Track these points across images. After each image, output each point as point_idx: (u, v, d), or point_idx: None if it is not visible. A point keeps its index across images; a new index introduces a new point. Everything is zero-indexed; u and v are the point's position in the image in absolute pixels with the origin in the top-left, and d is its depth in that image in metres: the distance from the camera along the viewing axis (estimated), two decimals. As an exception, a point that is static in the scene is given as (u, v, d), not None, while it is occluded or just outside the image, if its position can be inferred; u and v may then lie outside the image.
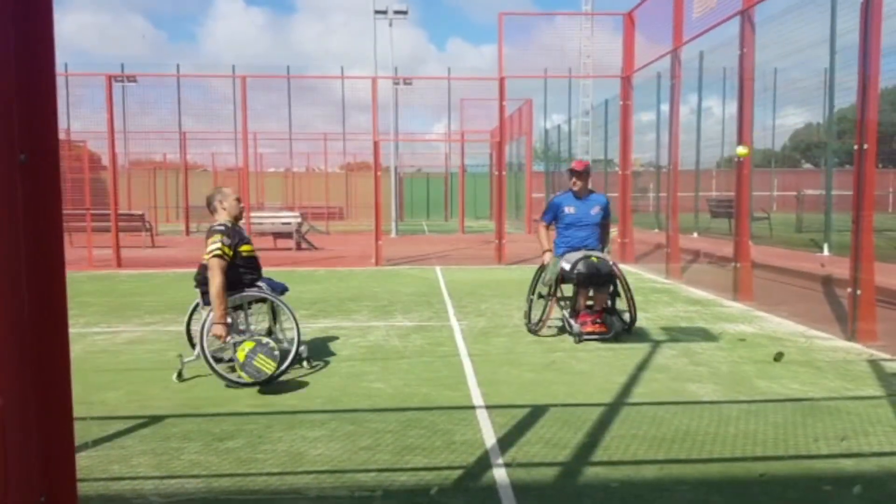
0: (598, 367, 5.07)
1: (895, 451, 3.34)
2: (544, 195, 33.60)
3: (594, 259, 5.92)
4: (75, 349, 5.72)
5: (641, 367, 5.04)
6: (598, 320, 5.95)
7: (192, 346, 5.04)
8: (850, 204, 6.12)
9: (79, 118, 15.87)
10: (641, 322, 6.80)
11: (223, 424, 3.82)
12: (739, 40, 8.15)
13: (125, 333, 6.41)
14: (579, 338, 5.83)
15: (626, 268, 11.80)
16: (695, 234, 16.76)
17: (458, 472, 3.14)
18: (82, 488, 2.93)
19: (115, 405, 4.21)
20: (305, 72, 30.45)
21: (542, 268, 6.38)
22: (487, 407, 4.10)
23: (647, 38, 12.09)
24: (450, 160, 31.77)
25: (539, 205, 32.31)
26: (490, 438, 3.56)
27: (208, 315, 4.70)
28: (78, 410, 3.97)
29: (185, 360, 4.78)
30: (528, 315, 6.43)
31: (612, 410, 4.03)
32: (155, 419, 3.91)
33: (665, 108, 15.03)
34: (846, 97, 12.27)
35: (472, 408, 4.11)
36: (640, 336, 6.13)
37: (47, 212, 1.27)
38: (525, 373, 4.92)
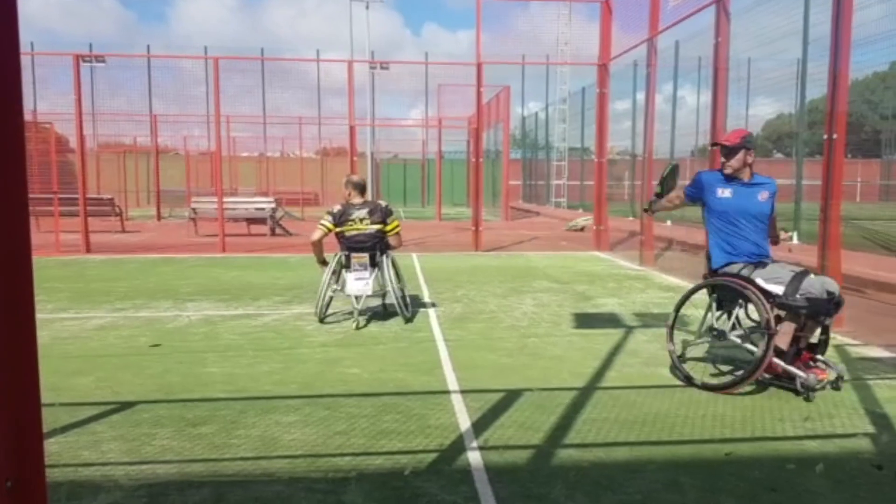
0: (572, 352, 5.12)
1: (857, 433, 3.43)
2: (521, 182, 33.76)
3: (825, 277, 4.26)
4: (43, 335, 5.64)
5: (614, 351, 5.10)
6: (818, 361, 4.13)
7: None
8: (819, 193, 6.23)
9: (45, 99, 15.54)
10: (615, 309, 6.89)
11: (196, 410, 3.80)
12: (714, 29, 8.22)
13: (95, 319, 6.33)
14: (810, 392, 3.89)
15: (601, 255, 11.92)
16: (668, 223, 16.93)
17: (433, 455, 3.16)
18: (51, 474, 2.91)
19: (85, 391, 4.16)
20: (279, 55, 30.07)
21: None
22: (462, 391, 4.12)
23: (623, 26, 12.14)
24: (427, 146, 31.68)
25: (517, 192, 32.45)
26: (465, 422, 3.58)
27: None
28: (47, 397, 3.91)
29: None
30: (671, 337, 4.46)
31: (585, 394, 4.07)
32: (126, 405, 3.87)
33: (641, 96, 15.13)
34: (818, 88, 12.47)
35: (448, 392, 4.13)
36: (613, 322, 6.20)
37: (12, 195, 1.25)
38: (500, 358, 4.95)
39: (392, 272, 6.31)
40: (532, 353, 5.10)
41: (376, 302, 6.60)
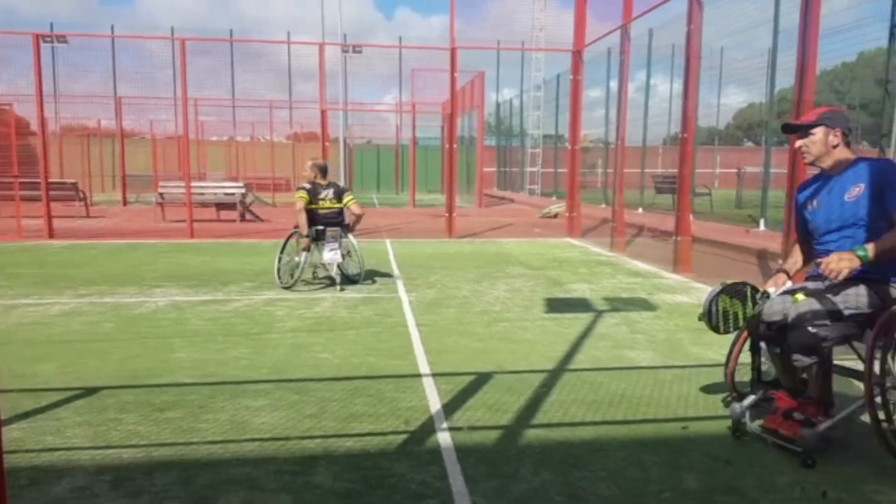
0: (543, 336, 5.15)
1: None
2: (495, 169, 33.76)
3: (795, 299, 3.00)
4: (5, 321, 5.53)
5: (584, 335, 5.15)
6: (791, 413, 3.07)
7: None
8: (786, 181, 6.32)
9: (2, 81, 15.13)
10: (586, 293, 6.94)
11: (163, 395, 3.75)
12: (687, 17, 8.27)
13: (59, 305, 6.21)
14: (737, 430, 3.19)
15: (573, 242, 12.00)
16: (640, 210, 17.08)
17: (403, 437, 3.17)
18: (13, 460, 2.86)
19: (49, 377, 4.09)
20: (249, 37, 29.56)
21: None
22: (434, 375, 4.14)
23: (598, 12, 12.17)
24: (401, 132, 31.52)
25: (491, 179, 32.47)
26: (435, 404, 3.60)
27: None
28: (10, 383, 3.84)
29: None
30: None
31: (554, 376, 4.11)
32: (91, 391, 3.82)
33: (614, 84, 15.22)
34: (788, 78, 12.64)
35: (419, 376, 4.14)
36: (583, 306, 6.25)
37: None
38: (472, 342, 4.97)
39: (355, 243, 7.43)
40: (503, 337, 5.13)
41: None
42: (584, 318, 5.70)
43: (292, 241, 7.26)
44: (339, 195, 7.25)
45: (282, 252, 7.27)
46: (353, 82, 26.18)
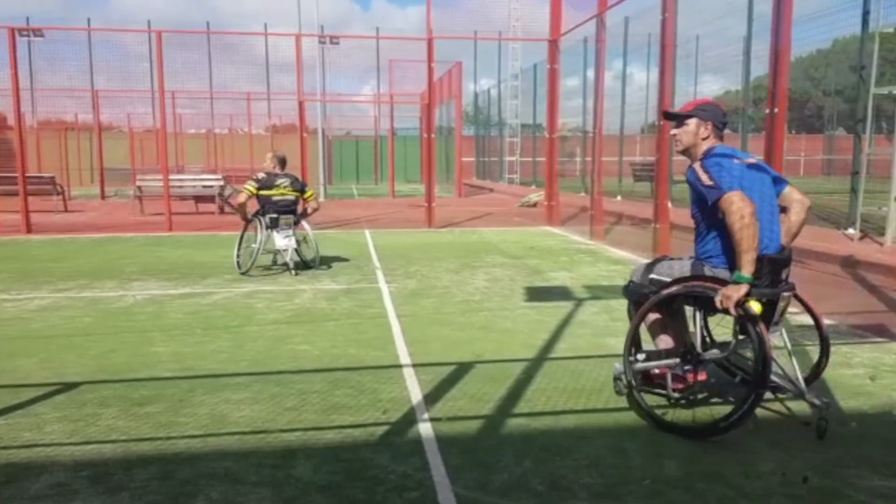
0: (524, 324, 5.18)
1: (791, 396, 3.52)
2: (474, 159, 33.75)
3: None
4: (-19, 317, 5.44)
5: (564, 323, 5.18)
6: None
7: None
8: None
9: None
10: (566, 282, 6.99)
11: (142, 390, 3.73)
12: (661, 6, 8.30)
13: (37, 300, 6.13)
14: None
15: (552, 231, 12.06)
16: (618, 198, 17.19)
17: (384, 428, 3.18)
18: (-9, 456, 2.83)
19: (27, 372, 4.05)
20: (225, 29, 29.28)
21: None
22: (414, 365, 4.14)
23: (573, 2, 12.18)
24: (379, 123, 31.37)
25: (470, 169, 32.49)
26: (416, 395, 3.61)
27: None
28: (-16, 377, 3.76)
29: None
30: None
31: (535, 365, 4.14)
32: (70, 386, 3.78)
33: (591, 73, 15.25)
34: (763, 65, 12.77)
35: (400, 366, 4.15)
36: (564, 295, 6.28)
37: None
38: (453, 332, 4.99)
39: (309, 229, 7.80)
40: (484, 326, 5.15)
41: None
42: (564, 307, 5.74)
43: (249, 232, 7.64)
44: (295, 185, 7.68)
45: (240, 243, 7.58)
46: (331, 74, 26.03)
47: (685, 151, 3.43)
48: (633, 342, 3.42)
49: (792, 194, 3.38)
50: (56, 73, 23.08)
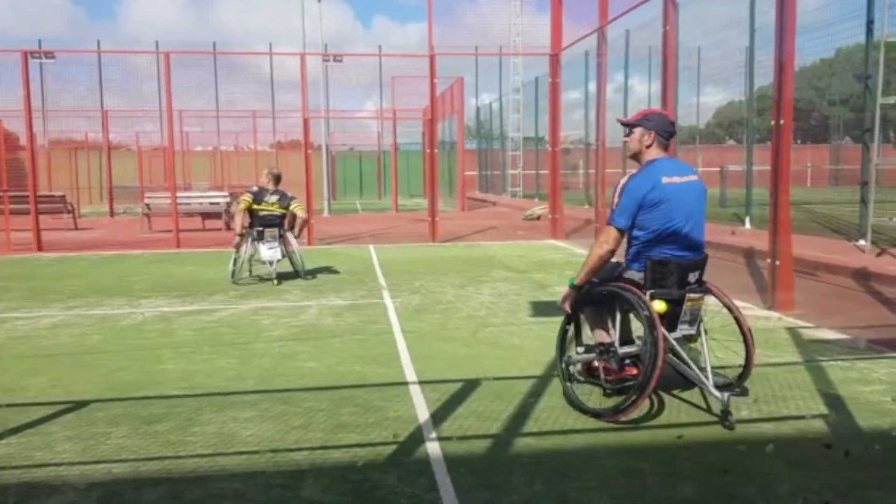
0: (530, 340, 5.18)
1: (810, 414, 3.50)
2: (477, 173, 33.83)
3: None
4: (-9, 336, 5.48)
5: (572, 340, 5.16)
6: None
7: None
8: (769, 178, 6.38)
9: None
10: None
11: (151, 408, 3.74)
12: (662, 18, 8.35)
13: (47, 318, 6.17)
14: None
15: (556, 244, 12.06)
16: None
17: (392, 448, 3.17)
18: (1, 476, 2.85)
19: (38, 391, 4.07)
20: (230, 49, 29.55)
21: None
22: (420, 382, 4.15)
23: (574, 15, 12.26)
24: (382, 138, 31.52)
25: (473, 182, 32.52)
26: (423, 413, 3.60)
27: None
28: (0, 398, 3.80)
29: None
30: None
31: (543, 382, 4.12)
32: (80, 404, 3.80)
33: (593, 85, 15.30)
34: (766, 76, 12.80)
35: (406, 384, 4.15)
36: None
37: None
38: (458, 348, 4.99)
39: (294, 243, 8.25)
40: (490, 342, 5.15)
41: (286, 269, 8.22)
42: (570, 322, 5.72)
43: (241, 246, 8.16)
44: (282, 202, 8.12)
45: (235, 256, 8.12)
46: (334, 90, 26.14)
47: (633, 157, 3.74)
48: (577, 336, 3.86)
49: None
50: (66, 93, 23.36)
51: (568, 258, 10.10)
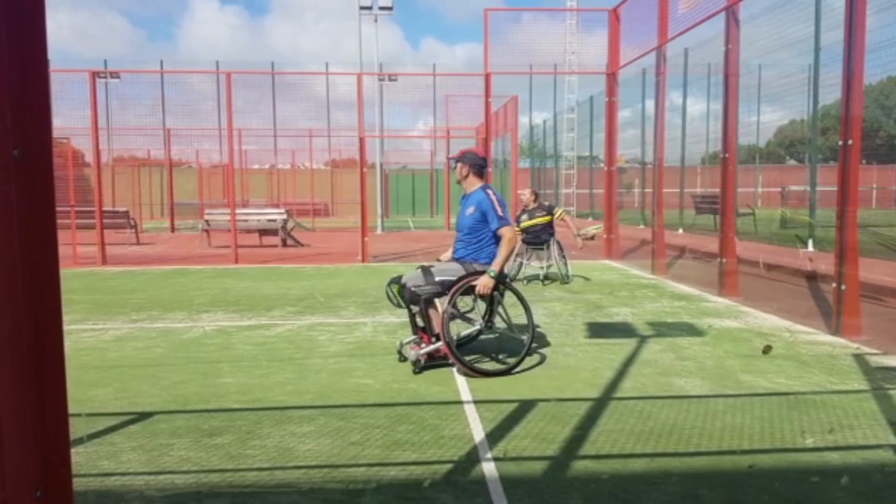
0: (585, 361, 5.10)
1: (880, 444, 3.38)
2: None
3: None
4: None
5: (628, 361, 5.08)
6: (421, 342, 5.11)
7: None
8: (835, 199, 6.17)
9: (59, 115, 15.74)
10: (628, 317, 6.86)
11: (212, 421, 3.82)
12: (724, 36, 8.21)
13: (112, 330, 6.37)
14: (400, 356, 5.19)
15: (612, 264, 11.89)
16: (680, 231, 16.88)
17: (448, 467, 3.16)
18: (74, 484, 2.92)
19: (104, 402, 4.19)
20: (284, 69, 30.31)
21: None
22: (475, 402, 4.12)
23: (631, 34, 12.15)
24: (435, 157, 31.75)
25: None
26: (478, 433, 3.58)
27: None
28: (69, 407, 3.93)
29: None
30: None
31: (599, 405, 4.06)
32: (143, 416, 3.90)
33: (650, 104, 15.12)
34: (830, 94, 12.43)
35: (460, 402, 4.13)
36: (626, 331, 6.17)
37: (41, 208, 1.27)
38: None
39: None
40: (545, 362, 5.09)
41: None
42: (627, 344, 5.64)
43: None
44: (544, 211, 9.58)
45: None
46: (388, 109, 26.50)
47: (459, 182, 5.20)
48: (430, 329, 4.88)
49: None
50: (130, 111, 24.21)
51: (624, 279, 9.94)
